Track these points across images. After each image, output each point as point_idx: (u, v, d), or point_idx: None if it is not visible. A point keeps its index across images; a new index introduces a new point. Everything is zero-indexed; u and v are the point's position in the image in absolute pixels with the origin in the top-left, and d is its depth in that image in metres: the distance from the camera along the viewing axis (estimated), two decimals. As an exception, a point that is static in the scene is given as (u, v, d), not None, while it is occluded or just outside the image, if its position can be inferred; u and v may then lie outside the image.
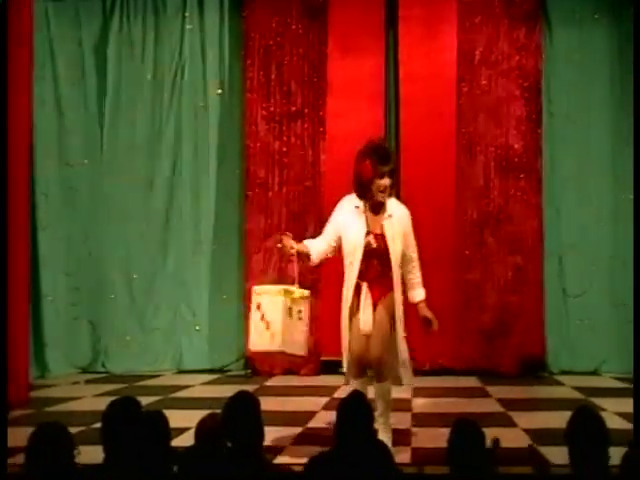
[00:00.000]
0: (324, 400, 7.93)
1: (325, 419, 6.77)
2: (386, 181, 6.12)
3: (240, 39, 9.65)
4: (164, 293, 9.72)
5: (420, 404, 7.93)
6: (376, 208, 6.23)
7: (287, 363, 9.31)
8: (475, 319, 9.28)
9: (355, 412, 4.24)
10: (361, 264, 6.27)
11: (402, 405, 7.81)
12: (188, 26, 9.74)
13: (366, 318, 6.24)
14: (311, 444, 5.94)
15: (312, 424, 7.17)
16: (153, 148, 9.77)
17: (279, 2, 9.51)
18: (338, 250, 6.43)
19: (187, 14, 9.73)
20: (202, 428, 4.38)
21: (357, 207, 6.26)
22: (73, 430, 4.12)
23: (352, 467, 4.05)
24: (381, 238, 6.22)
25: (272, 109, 9.50)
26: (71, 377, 9.30)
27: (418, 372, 9.11)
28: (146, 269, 9.71)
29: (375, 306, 6.26)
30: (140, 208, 9.73)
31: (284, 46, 9.51)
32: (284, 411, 7.45)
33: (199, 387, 8.83)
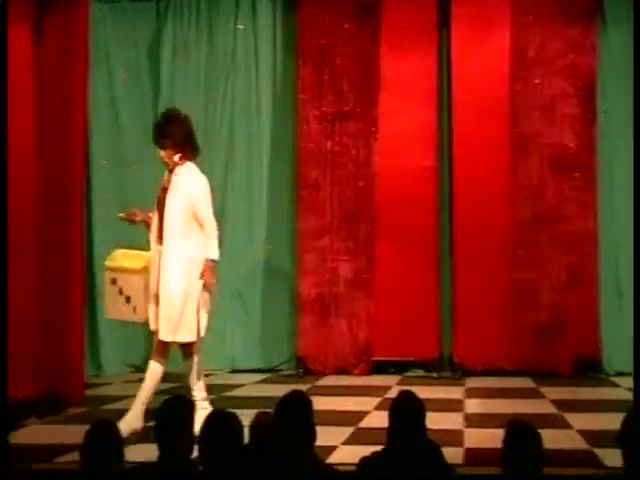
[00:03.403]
0: (376, 400, 7.92)
1: (377, 420, 6.75)
2: (160, 152, 6.81)
3: (292, 39, 9.67)
4: (217, 293, 9.73)
5: (473, 404, 7.90)
6: (172, 170, 6.85)
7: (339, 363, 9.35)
8: (529, 319, 9.20)
9: (407, 412, 4.23)
10: (156, 219, 6.89)
11: (455, 405, 7.80)
12: (241, 26, 9.77)
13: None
14: (363, 444, 5.93)
15: (364, 424, 7.17)
16: (206, 148, 9.77)
17: (332, 1, 9.51)
18: None
19: (240, 14, 9.77)
20: (256, 427, 4.40)
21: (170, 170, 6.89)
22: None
23: (404, 467, 4.04)
24: (165, 191, 6.83)
25: (324, 109, 9.50)
26: (125, 376, 9.38)
27: (471, 372, 9.15)
28: (199, 269, 9.74)
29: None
30: (194, 208, 9.77)
31: (336, 45, 9.50)
32: (336, 411, 7.46)
33: (251, 386, 8.86)
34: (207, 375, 9.26)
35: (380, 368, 9.32)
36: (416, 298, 9.24)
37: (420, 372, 9.23)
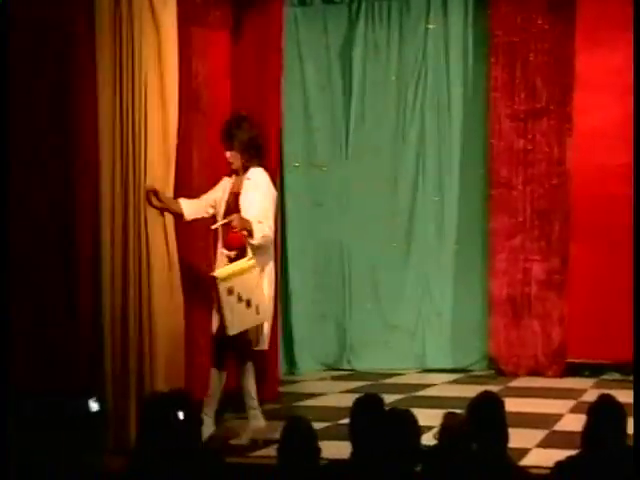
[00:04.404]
0: (570, 403, 7.77)
1: (572, 423, 6.61)
2: (226, 154, 6.75)
3: (483, 37, 9.57)
4: (407, 292, 9.78)
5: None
6: (241, 174, 6.77)
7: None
8: None
9: (607, 416, 4.14)
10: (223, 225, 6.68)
11: None
12: (431, 26, 9.75)
13: None
14: (557, 447, 5.83)
15: (558, 427, 7.04)
16: (397, 148, 9.86)
17: (524, -3, 9.37)
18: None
19: (431, 14, 9.75)
20: (447, 427, 4.40)
21: (234, 173, 6.82)
22: (320, 425, 4.25)
23: (602, 472, 3.95)
24: (237, 196, 6.69)
25: (516, 107, 9.35)
26: (318, 374, 9.52)
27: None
28: (390, 268, 9.81)
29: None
30: (384, 208, 9.84)
31: (529, 42, 9.33)
32: (529, 413, 7.35)
33: (442, 386, 8.84)
34: (399, 374, 9.37)
35: (574, 370, 9.13)
36: (612, 299, 8.99)
37: (616, 375, 8.97)
